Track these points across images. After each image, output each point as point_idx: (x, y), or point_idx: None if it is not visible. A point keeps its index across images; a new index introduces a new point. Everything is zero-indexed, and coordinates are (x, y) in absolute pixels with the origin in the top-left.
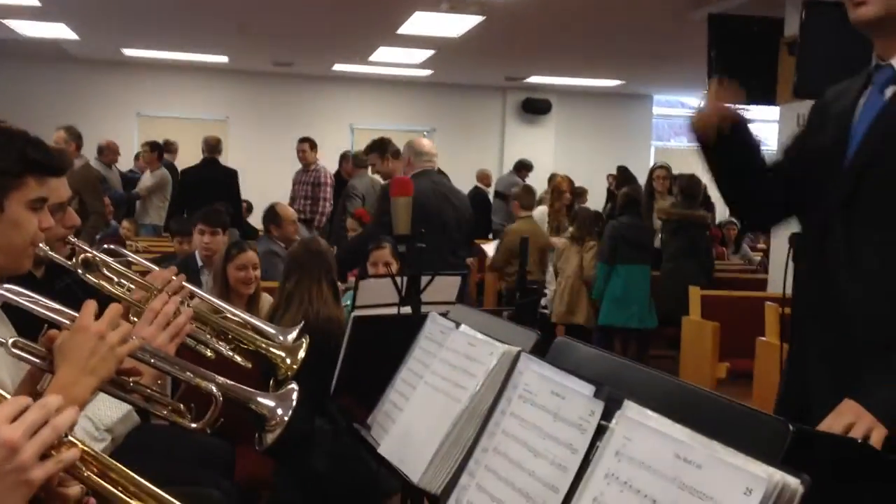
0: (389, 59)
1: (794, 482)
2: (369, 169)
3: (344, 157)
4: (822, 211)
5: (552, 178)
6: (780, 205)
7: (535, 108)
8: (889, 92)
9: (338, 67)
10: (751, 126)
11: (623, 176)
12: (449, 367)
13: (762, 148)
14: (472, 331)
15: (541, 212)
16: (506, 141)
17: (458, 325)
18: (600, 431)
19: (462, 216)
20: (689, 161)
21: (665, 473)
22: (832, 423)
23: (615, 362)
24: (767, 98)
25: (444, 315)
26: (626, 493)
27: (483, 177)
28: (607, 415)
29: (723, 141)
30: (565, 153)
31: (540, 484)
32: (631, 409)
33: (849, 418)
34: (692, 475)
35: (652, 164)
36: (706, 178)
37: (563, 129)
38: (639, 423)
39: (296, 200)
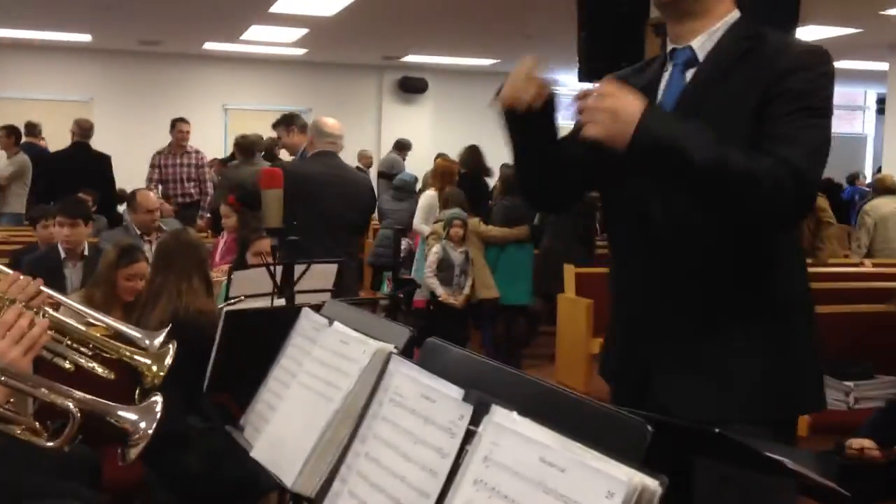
0: (262, 38)
1: (653, 483)
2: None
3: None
4: (633, 187)
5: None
6: (578, 183)
7: (411, 87)
8: (690, 73)
9: (209, 46)
10: (558, 105)
11: (470, 155)
12: (322, 366)
13: None
14: (344, 328)
15: (430, 196)
16: (383, 120)
17: (331, 321)
18: (470, 436)
19: (355, 203)
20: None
21: (531, 478)
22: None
23: (484, 365)
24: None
25: (319, 309)
26: (494, 498)
27: (363, 157)
28: (476, 419)
29: (531, 116)
30: (442, 132)
31: (411, 489)
32: (498, 413)
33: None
34: (556, 479)
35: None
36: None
37: (439, 109)
38: (505, 427)
39: (171, 183)
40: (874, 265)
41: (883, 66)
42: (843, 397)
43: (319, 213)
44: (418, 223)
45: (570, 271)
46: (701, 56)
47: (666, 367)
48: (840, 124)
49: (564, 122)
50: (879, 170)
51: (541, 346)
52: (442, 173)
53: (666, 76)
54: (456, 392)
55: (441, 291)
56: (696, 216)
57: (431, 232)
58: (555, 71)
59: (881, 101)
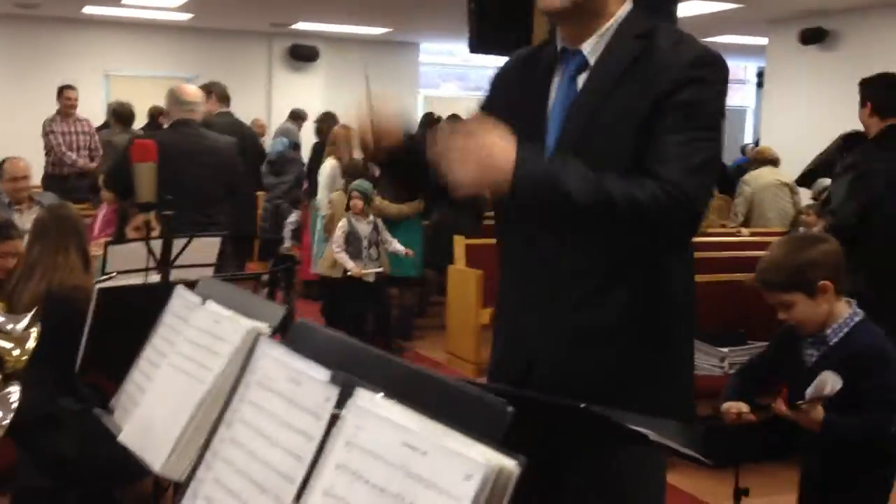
0: (145, 2)
1: (510, 464)
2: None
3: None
4: None
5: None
6: None
7: (302, 55)
8: (581, 80)
9: (88, 10)
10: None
11: (325, 121)
12: (194, 347)
13: None
14: (217, 307)
15: (331, 167)
16: (273, 89)
17: (205, 300)
18: (335, 419)
19: (216, 173)
20: (456, 108)
21: (393, 462)
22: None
23: (352, 346)
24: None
25: (193, 286)
26: (357, 483)
27: (257, 126)
28: (342, 402)
29: (398, 156)
30: (335, 102)
31: (275, 474)
32: (361, 396)
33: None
34: (418, 463)
35: (421, 111)
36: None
37: (331, 77)
38: (369, 411)
39: (56, 152)
40: (751, 234)
41: (762, 40)
42: (718, 363)
43: (179, 185)
44: (322, 195)
45: (459, 243)
46: (592, 60)
47: (544, 370)
48: None
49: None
50: (758, 142)
51: (432, 318)
52: (337, 142)
53: (556, 81)
54: (323, 374)
55: (352, 266)
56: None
57: (329, 201)
58: (446, 40)
59: (760, 75)
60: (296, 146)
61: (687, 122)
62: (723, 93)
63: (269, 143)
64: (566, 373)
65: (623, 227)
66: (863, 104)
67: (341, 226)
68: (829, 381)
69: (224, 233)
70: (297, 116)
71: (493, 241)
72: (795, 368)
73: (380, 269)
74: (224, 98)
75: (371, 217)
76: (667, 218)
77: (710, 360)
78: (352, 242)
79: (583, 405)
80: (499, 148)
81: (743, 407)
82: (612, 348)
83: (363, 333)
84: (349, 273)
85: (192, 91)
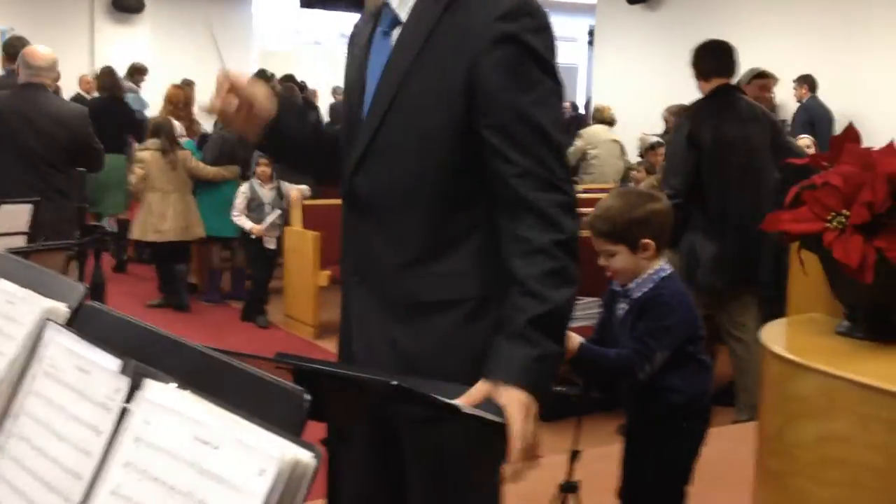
0: None
1: (306, 456)
2: None
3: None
4: (346, 162)
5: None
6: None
7: (126, 6)
8: (394, 35)
9: None
10: (290, 105)
11: (107, 76)
12: None
13: None
14: (11, 285)
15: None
16: (96, 42)
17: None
18: (126, 412)
19: (56, 139)
20: (293, 63)
21: (184, 458)
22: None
23: (144, 331)
24: (357, 5)
25: None
26: (145, 481)
27: (84, 83)
28: (132, 394)
29: (272, 130)
30: (163, 56)
31: (63, 472)
32: (151, 388)
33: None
34: (210, 458)
35: (256, 67)
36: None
37: (159, 30)
38: (158, 404)
39: None
40: (584, 190)
41: None
42: None
43: (15, 150)
44: None
45: (296, 204)
46: (403, 14)
47: (363, 336)
48: None
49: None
50: (589, 100)
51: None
52: (175, 101)
53: (375, 38)
54: (113, 364)
55: (250, 225)
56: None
57: (139, 160)
58: None
59: (591, 33)
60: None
61: (518, 85)
62: (547, 44)
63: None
64: (380, 346)
65: (572, 295)
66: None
67: (243, 191)
68: None
69: (35, 199)
70: (138, 71)
71: (330, 201)
72: (612, 323)
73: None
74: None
75: (275, 182)
76: (565, 237)
77: None
78: (254, 209)
79: (395, 383)
80: (521, 409)
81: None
82: (428, 321)
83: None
84: (252, 235)
85: (41, 55)
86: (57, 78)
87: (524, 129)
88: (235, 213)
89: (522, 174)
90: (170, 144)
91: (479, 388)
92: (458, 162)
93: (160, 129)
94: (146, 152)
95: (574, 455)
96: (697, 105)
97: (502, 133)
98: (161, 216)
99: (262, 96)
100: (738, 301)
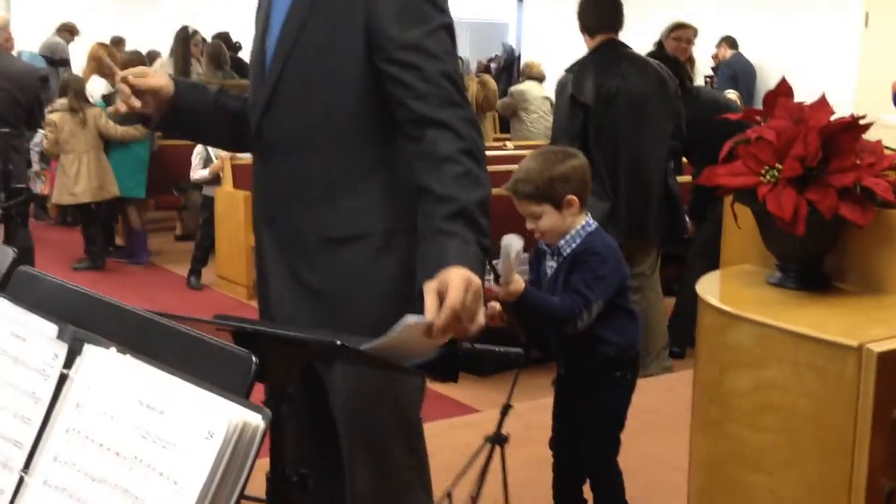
0: None
1: (254, 419)
2: None
3: None
4: (255, 109)
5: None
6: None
7: None
8: None
9: None
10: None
11: None
12: None
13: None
14: None
15: (102, 84)
16: None
17: None
18: (65, 379)
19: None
20: (222, 20)
21: (129, 422)
22: (432, 306)
23: (81, 296)
24: None
25: None
26: (89, 448)
27: (5, 42)
28: (71, 359)
29: (172, 114)
30: (87, 9)
31: (2, 440)
32: (92, 353)
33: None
34: (156, 422)
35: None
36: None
37: None
38: (100, 369)
39: None
40: (516, 147)
41: None
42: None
43: None
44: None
45: (226, 163)
46: None
47: (279, 281)
48: (482, 13)
49: None
50: (519, 56)
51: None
52: (97, 58)
53: None
54: (50, 329)
55: (208, 171)
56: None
57: (49, 123)
58: None
59: None
60: (63, 62)
61: (410, 20)
62: None
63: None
64: (291, 287)
65: (486, 198)
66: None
67: (197, 152)
68: (513, 244)
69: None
70: (68, 29)
71: None
72: (540, 282)
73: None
74: None
75: None
76: (476, 149)
77: None
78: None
79: (339, 342)
80: (471, 287)
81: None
82: (335, 257)
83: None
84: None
85: None
86: (8, 38)
87: (419, 57)
88: (194, 176)
89: (421, 96)
90: (78, 102)
91: (428, 300)
92: (360, 98)
93: (68, 87)
94: (55, 114)
95: (505, 409)
96: (581, 62)
97: (399, 64)
98: (74, 178)
99: (162, 85)
100: (635, 253)
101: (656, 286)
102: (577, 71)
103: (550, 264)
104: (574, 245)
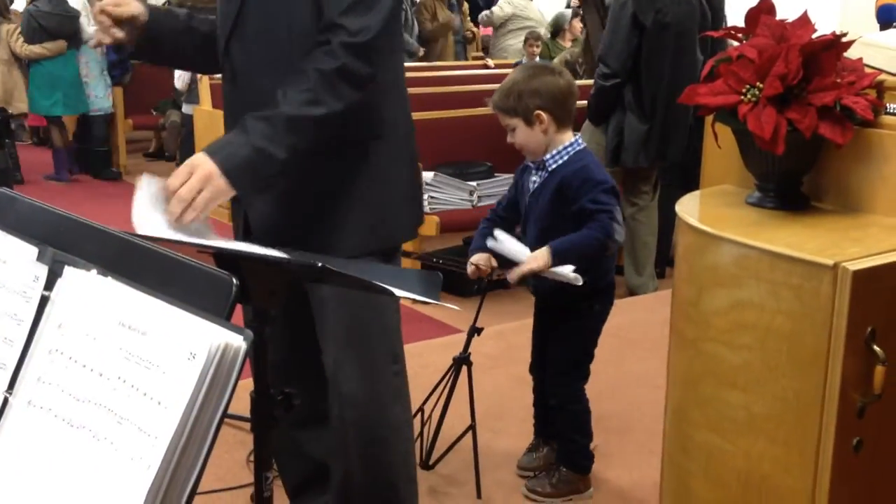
0: None
1: (236, 340)
2: None
3: None
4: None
5: None
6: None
7: None
8: None
9: None
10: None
11: None
12: None
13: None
14: None
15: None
16: None
17: None
18: (46, 301)
19: None
20: None
21: (111, 344)
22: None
23: (60, 218)
24: None
25: None
26: (72, 368)
27: None
28: (52, 281)
29: (146, 41)
30: None
31: None
32: (72, 275)
33: None
34: (138, 343)
35: None
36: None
37: None
38: (81, 291)
39: None
40: (497, 66)
41: None
42: (468, 196)
43: None
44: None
45: (204, 83)
46: None
47: (254, 217)
48: None
49: None
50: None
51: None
52: None
53: None
54: (30, 251)
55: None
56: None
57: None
58: None
59: None
60: None
61: None
62: None
63: None
64: (270, 217)
65: (329, 121)
66: None
67: (179, 74)
68: (502, 241)
69: None
70: None
71: None
72: (524, 195)
73: None
74: None
75: None
76: (350, 75)
77: (459, 195)
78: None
79: (321, 265)
80: (201, 176)
81: (482, 261)
82: (310, 187)
83: None
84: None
85: None
86: None
87: None
88: (177, 83)
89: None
90: None
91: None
92: (315, 18)
93: None
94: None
95: (472, 331)
96: None
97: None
98: None
99: (139, 13)
100: (637, 182)
101: (652, 212)
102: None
103: (534, 179)
104: (561, 161)
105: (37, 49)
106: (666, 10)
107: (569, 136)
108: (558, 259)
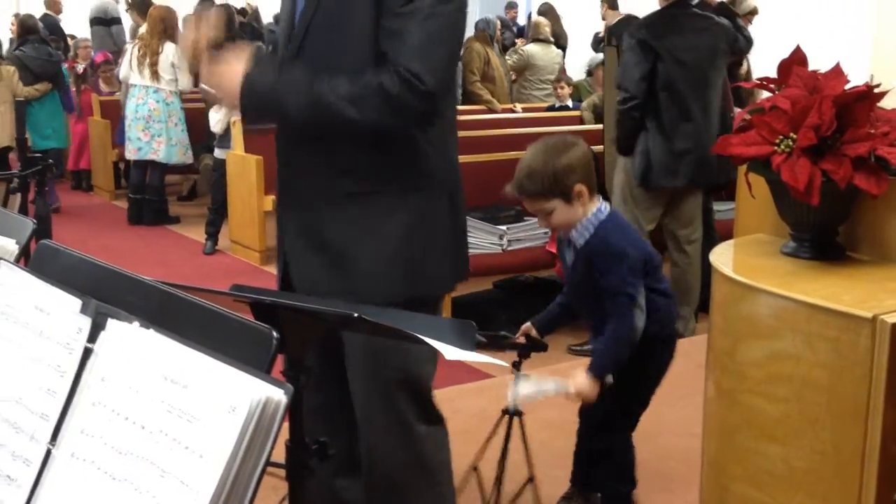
0: None
1: (277, 394)
2: None
3: None
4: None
5: None
6: None
7: None
8: None
9: None
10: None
11: None
12: None
13: None
14: None
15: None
16: None
17: None
18: (89, 353)
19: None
20: None
21: (153, 396)
22: None
23: (105, 270)
24: None
25: None
26: (115, 421)
27: (53, 4)
28: (95, 333)
29: None
30: None
31: (29, 413)
32: (115, 328)
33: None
34: (180, 396)
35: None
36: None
37: None
38: (124, 343)
39: None
40: (524, 110)
41: None
42: (498, 241)
43: None
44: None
45: (237, 128)
46: None
47: (294, 243)
48: None
49: None
50: (529, 15)
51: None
52: (164, 20)
53: None
54: (73, 303)
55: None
56: None
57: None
58: None
59: None
60: (115, 20)
61: None
62: None
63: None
64: (309, 272)
65: (341, 128)
66: None
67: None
68: (521, 391)
69: None
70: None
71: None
72: (567, 271)
73: None
74: None
75: None
76: (397, 109)
77: (489, 239)
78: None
79: (356, 315)
80: (228, 75)
81: (532, 331)
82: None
83: None
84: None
85: None
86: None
87: (408, 31)
88: (212, 125)
89: (394, 73)
90: None
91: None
92: (374, 51)
93: None
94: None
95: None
96: (652, 16)
97: (389, 34)
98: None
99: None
100: (687, 200)
101: (696, 252)
102: (649, 23)
103: (569, 254)
104: (587, 235)
105: (30, 90)
106: (679, 41)
107: (594, 204)
108: (599, 374)
